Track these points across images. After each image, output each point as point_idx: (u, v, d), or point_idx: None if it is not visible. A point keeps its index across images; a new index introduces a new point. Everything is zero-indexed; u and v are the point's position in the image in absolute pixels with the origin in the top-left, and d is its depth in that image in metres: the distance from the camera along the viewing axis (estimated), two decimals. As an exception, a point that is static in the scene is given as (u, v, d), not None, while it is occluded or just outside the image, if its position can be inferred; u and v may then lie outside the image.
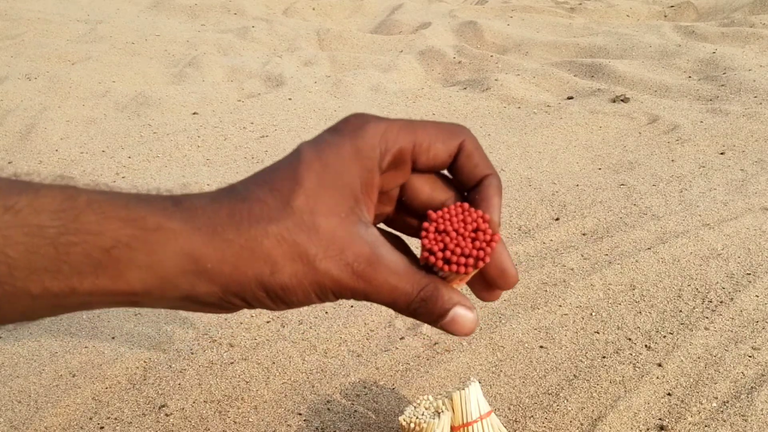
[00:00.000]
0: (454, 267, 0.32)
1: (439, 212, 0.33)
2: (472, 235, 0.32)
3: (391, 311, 0.81)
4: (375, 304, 0.82)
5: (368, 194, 0.36)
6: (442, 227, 0.33)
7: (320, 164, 0.35)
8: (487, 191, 0.36)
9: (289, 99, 1.84)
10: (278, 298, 0.34)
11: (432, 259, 0.32)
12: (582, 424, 0.62)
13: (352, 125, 0.36)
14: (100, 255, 0.30)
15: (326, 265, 0.34)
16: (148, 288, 0.32)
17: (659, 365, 0.69)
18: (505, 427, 0.60)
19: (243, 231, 0.33)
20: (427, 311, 0.35)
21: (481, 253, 0.32)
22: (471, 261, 0.32)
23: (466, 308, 0.35)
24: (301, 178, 0.34)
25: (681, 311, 0.79)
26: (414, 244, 0.37)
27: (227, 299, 0.34)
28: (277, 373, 0.70)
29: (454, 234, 0.32)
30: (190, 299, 0.33)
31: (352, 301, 0.83)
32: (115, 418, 0.64)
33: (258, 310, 0.82)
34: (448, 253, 0.32)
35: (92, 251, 0.30)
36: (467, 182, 0.37)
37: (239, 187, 0.35)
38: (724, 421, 0.62)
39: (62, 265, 0.30)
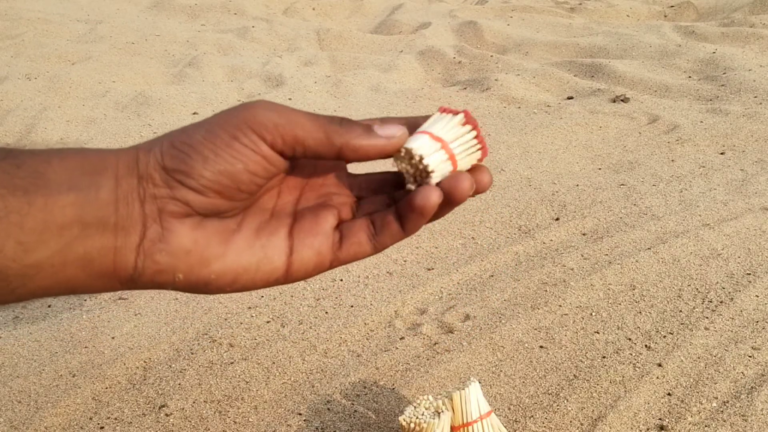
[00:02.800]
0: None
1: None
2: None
3: (390, 312, 0.81)
4: (375, 305, 0.82)
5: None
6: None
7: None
8: None
9: (289, 99, 1.84)
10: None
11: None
12: (582, 424, 0.62)
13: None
14: None
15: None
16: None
17: (659, 365, 0.69)
18: (505, 427, 0.60)
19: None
20: (343, 128, 0.34)
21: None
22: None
23: (392, 124, 0.35)
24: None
25: (681, 311, 0.79)
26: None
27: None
28: (277, 373, 0.70)
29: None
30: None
31: (352, 301, 0.83)
32: (115, 418, 0.64)
33: (258, 311, 0.82)
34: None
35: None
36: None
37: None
38: (724, 421, 0.61)
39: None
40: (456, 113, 0.35)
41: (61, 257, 0.30)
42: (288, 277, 0.34)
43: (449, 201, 0.33)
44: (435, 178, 0.33)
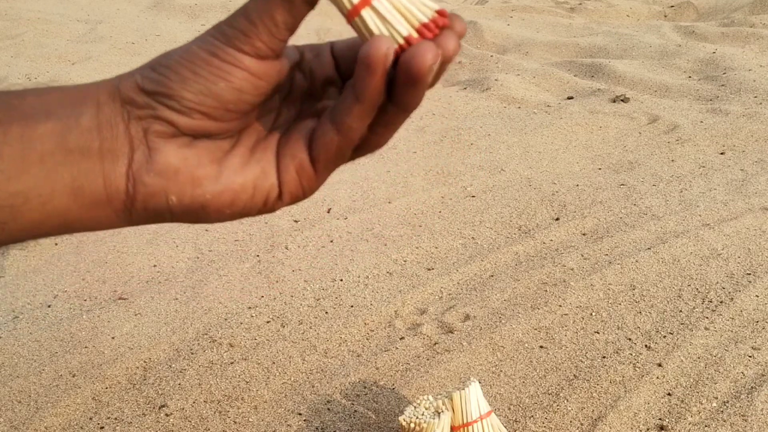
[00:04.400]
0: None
1: None
2: None
3: (390, 312, 0.81)
4: (375, 305, 0.82)
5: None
6: None
7: None
8: None
9: (289, 99, 1.84)
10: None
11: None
12: (582, 424, 0.62)
13: None
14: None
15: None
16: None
17: (659, 365, 0.69)
18: (505, 427, 0.60)
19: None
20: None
21: None
22: None
23: None
24: None
25: (681, 311, 0.79)
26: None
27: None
28: (277, 373, 0.70)
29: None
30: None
31: (351, 301, 0.83)
32: (115, 418, 0.64)
33: (258, 311, 0.82)
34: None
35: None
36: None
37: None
38: (724, 421, 0.61)
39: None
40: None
41: (48, 185, 0.29)
42: (283, 194, 0.33)
43: (407, 73, 0.30)
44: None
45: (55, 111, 0.30)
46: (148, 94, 0.30)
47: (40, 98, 0.30)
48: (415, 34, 0.30)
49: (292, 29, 0.31)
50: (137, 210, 0.31)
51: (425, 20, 0.31)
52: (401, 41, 0.30)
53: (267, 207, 0.33)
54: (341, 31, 2.70)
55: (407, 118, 0.32)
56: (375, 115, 0.32)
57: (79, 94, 0.31)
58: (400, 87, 0.30)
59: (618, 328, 0.76)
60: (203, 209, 0.32)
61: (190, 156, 0.31)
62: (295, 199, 0.33)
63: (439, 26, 0.31)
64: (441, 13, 0.31)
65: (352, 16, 0.30)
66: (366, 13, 0.30)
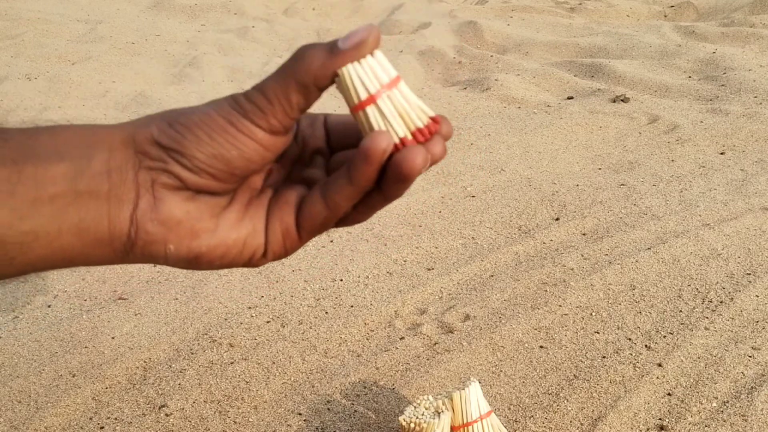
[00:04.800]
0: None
1: None
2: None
3: (390, 312, 0.81)
4: (375, 305, 0.82)
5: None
6: None
7: None
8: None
9: (289, 99, 1.84)
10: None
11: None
12: (582, 424, 0.62)
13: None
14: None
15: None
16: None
17: (659, 365, 0.69)
18: (505, 427, 0.60)
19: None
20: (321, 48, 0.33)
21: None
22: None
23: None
24: None
25: (681, 311, 0.79)
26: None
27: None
28: (277, 373, 0.70)
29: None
30: None
31: (351, 301, 0.83)
32: (115, 418, 0.64)
33: (258, 311, 0.82)
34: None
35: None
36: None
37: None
38: (724, 421, 0.61)
39: None
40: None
41: (56, 224, 0.31)
42: (267, 252, 0.35)
43: (396, 173, 0.33)
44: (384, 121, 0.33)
45: (68, 153, 0.31)
46: (162, 148, 0.32)
47: (53, 138, 0.31)
48: (409, 136, 0.33)
49: (304, 110, 0.33)
50: (135, 253, 0.32)
51: (420, 125, 0.34)
52: (397, 140, 0.33)
53: (251, 262, 0.35)
54: (341, 31, 2.70)
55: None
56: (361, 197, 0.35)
57: (93, 137, 0.32)
58: (389, 180, 0.33)
59: (618, 328, 0.76)
60: (196, 259, 0.33)
61: (192, 209, 0.33)
62: (277, 258, 0.35)
63: (432, 132, 0.34)
64: (434, 119, 0.34)
65: (357, 109, 0.34)
66: (370, 110, 0.33)
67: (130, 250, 0.32)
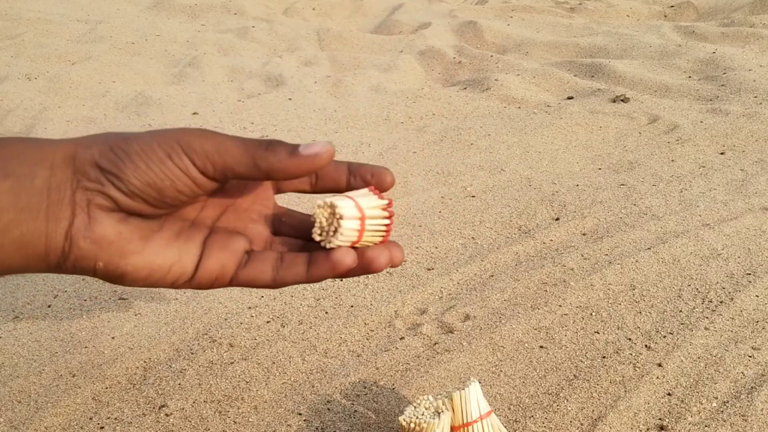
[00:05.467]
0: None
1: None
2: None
3: (390, 312, 0.81)
4: (375, 305, 0.82)
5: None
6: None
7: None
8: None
9: (289, 99, 1.84)
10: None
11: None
12: (582, 424, 0.62)
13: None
14: None
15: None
16: None
17: (659, 365, 0.69)
18: (505, 427, 0.60)
19: None
20: (271, 150, 0.37)
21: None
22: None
23: (321, 143, 0.38)
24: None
25: (681, 311, 0.79)
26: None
27: None
28: (277, 373, 0.70)
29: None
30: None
31: (351, 301, 0.83)
32: (115, 418, 0.64)
33: (258, 311, 0.82)
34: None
35: None
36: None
37: None
38: (724, 421, 0.61)
39: None
40: (382, 197, 0.38)
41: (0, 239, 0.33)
42: (193, 282, 0.37)
43: (364, 268, 0.37)
44: (338, 242, 0.36)
45: (13, 170, 0.33)
46: (101, 170, 0.34)
47: (1, 152, 0.33)
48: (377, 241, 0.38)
49: (242, 180, 0.37)
50: (67, 266, 0.35)
51: (383, 229, 0.38)
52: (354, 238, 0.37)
53: (175, 285, 0.37)
54: (341, 31, 2.70)
55: None
56: None
57: (38, 152, 0.34)
58: (354, 270, 0.37)
59: (618, 328, 0.76)
60: (122, 277, 0.36)
61: (124, 230, 0.35)
62: (199, 288, 0.38)
63: (389, 228, 0.38)
64: (389, 205, 0.38)
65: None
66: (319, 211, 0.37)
67: (62, 263, 0.34)
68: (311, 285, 0.87)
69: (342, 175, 0.40)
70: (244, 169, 0.35)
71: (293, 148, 0.36)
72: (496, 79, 1.89)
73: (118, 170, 0.34)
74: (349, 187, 0.40)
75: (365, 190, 0.39)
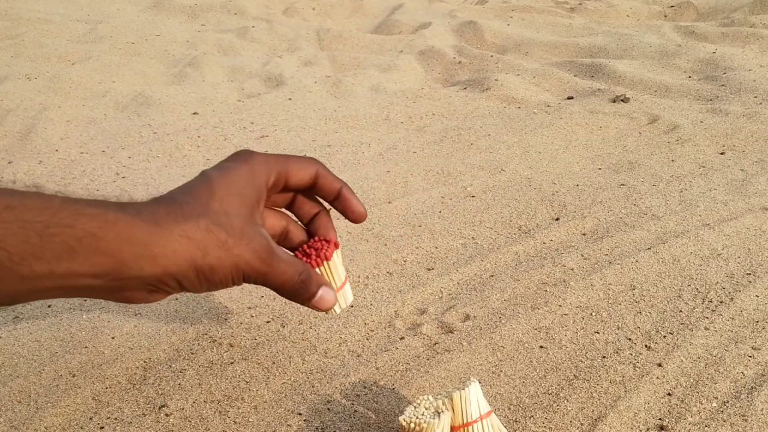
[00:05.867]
0: (314, 263, 0.58)
1: (302, 246, 0.60)
2: (319, 249, 0.59)
3: (390, 312, 0.81)
4: (375, 305, 0.82)
5: (259, 206, 0.50)
6: (307, 251, 0.59)
7: (226, 180, 0.48)
8: (326, 221, 0.61)
9: (289, 99, 1.84)
10: (205, 279, 0.46)
11: (306, 259, 0.58)
12: (582, 424, 0.62)
13: (244, 156, 0.50)
14: (74, 243, 0.39)
15: (239, 250, 0.47)
16: (108, 270, 0.41)
17: (659, 365, 0.69)
18: (505, 427, 0.60)
19: (180, 223, 0.43)
20: (304, 290, 0.53)
21: (326, 256, 0.58)
22: (321, 261, 0.57)
23: (328, 289, 0.55)
24: (214, 188, 0.47)
25: (681, 311, 0.79)
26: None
27: (164, 280, 0.44)
28: (277, 373, 0.70)
29: (313, 253, 0.58)
30: (137, 280, 0.43)
31: (351, 301, 0.83)
32: (115, 418, 0.64)
33: (258, 311, 0.82)
34: (312, 262, 0.58)
35: (68, 240, 0.39)
36: (328, 195, 0.57)
37: (166, 195, 0.46)
38: (724, 421, 0.62)
39: (45, 251, 0.38)
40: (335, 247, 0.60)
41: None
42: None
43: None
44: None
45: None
46: (179, 284, 0.48)
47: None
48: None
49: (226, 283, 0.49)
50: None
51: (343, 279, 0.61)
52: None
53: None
54: (341, 31, 2.70)
55: None
56: None
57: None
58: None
59: (618, 328, 0.76)
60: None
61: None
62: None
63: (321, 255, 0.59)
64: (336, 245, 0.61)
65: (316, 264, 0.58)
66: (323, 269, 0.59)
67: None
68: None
69: (329, 197, 0.58)
70: (281, 291, 0.53)
71: (313, 296, 0.54)
72: (496, 79, 1.89)
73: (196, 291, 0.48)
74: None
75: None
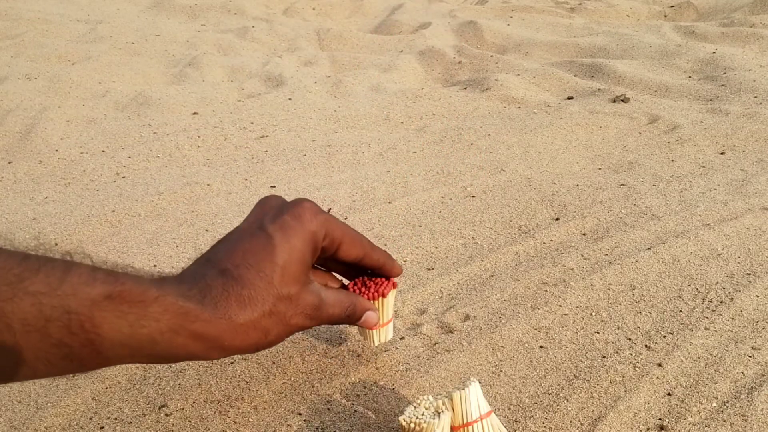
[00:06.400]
0: (371, 296, 0.64)
1: (357, 279, 0.65)
2: (378, 284, 0.64)
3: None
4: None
5: (312, 263, 0.54)
6: (367, 284, 0.64)
7: (289, 246, 0.51)
8: (385, 270, 0.65)
9: (289, 99, 1.84)
10: (262, 349, 0.52)
11: (363, 290, 0.64)
12: (582, 424, 0.62)
13: (308, 213, 0.53)
14: (157, 336, 0.43)
15: (295, 320, 0.52)
16: (177, 358, 0.47)
17: (659, 365, 0.69)
18: (505, 427, 0.60)
19: (247, 312, 0.48)
20: (352, 318, 0.60)
21: (383, 293, 0.64)
22: (377, 296, 0.64)
23: (371, 311, 0.62)
24: (277, 258, 0.50)
25: (681, 311, 0.79)
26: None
27: (223, 357, 0.51)
28: (277, 373, 0.70)
29: (372, 287, 0.64)
30: (194, 359, 0.49)
31: (352, 301, 0.83)
32: (115, 418, 0.64)
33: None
34: (369, 295, 0.64)
35: (153, 333, 0.43)
36: (370, 268, 0.63)
37: (233, 272, 0.49)
38: (724, 421, 0.62)
39: (132, 341, 0.42)
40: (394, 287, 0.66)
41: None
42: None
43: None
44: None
45: None
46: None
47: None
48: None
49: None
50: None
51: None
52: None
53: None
54: (341, 31, 2.70)
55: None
56: None
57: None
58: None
59: (618, 328, 0.76)
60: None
61: None
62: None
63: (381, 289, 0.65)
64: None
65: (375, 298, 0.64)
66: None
67: None
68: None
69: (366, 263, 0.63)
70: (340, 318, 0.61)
71: (358, 320, 0.62)
72: (496, 79, 1.89)
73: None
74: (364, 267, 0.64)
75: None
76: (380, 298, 0.63)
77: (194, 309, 0.45)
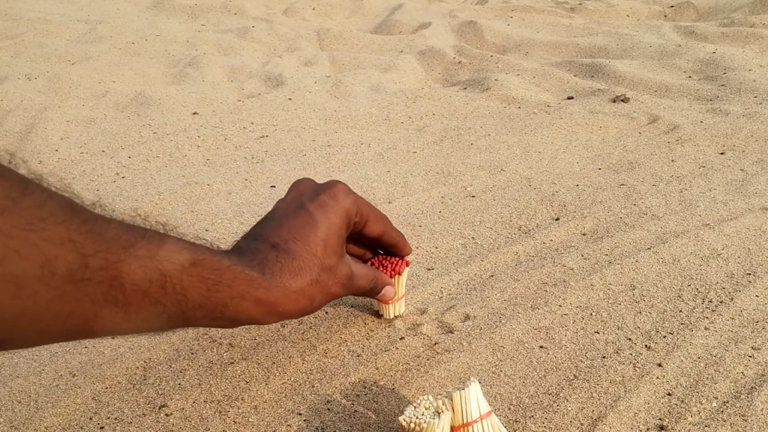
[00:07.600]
0: (389, 274, 0.71)
1: (374, 258, 0.72)
2: (394, 264, 0.72)
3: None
4: (374, 304, 0.82)
5: (345, 237, 0.61)
6: (384, 263, 0.72)
7: (328, 222, 0.57)
8: (398, 249, 0.72)
9: (289, 99, 1.84)
10: (307, 314, 0.57)
11: (381, 269, 0.71)
12: (582, 424, 0.62)
13: (341, 193, 0.60)
14: (228, 300, 0.49)
15: (334, 289, 0.59)
16: (241, 321, 0.52)
17: (659, 365, 0.69)
18: (505, 427, 0.60)
19: (298, 281, 0.54)
20: (374, 291, 0.68)
21: (399, 271, 0.72)
22: (394, 274, 0.72)
23: (390, 286, 0.71)
24: (319, 233, 0.56)
25: (681, 311, 0.79)
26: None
27: (276, 322, 0.58)
28: (277, 373, 0.70)
29: (389, 266, 0.72)
30: (252, 323, 0.54)
31: (351, 301, 0.83)
32: (115, 418, 0.64)
33: (258, 310, 0.82)
34: (388, 273, 0.72)
35: (225, 298, 0.49)
36: (386, 246, 0.71)
37: (282, 245, 0.55)
38: (724, 421, 0.61)
39: (208, 303, 0.48)
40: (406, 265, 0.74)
41: None
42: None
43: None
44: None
45: None
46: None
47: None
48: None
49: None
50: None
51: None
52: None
53: None
54: (341, 31, 2.70)
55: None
56: None
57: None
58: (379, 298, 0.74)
59: (618, 328, 0.76)
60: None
61: None
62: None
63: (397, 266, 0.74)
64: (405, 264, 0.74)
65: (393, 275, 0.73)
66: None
67: None
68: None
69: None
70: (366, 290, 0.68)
71: (378, 293, 0.70)
72: (496, 79, 1.89)
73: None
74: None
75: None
76: (396, 276, 0.71)
77: (258, 277, 0.51)
